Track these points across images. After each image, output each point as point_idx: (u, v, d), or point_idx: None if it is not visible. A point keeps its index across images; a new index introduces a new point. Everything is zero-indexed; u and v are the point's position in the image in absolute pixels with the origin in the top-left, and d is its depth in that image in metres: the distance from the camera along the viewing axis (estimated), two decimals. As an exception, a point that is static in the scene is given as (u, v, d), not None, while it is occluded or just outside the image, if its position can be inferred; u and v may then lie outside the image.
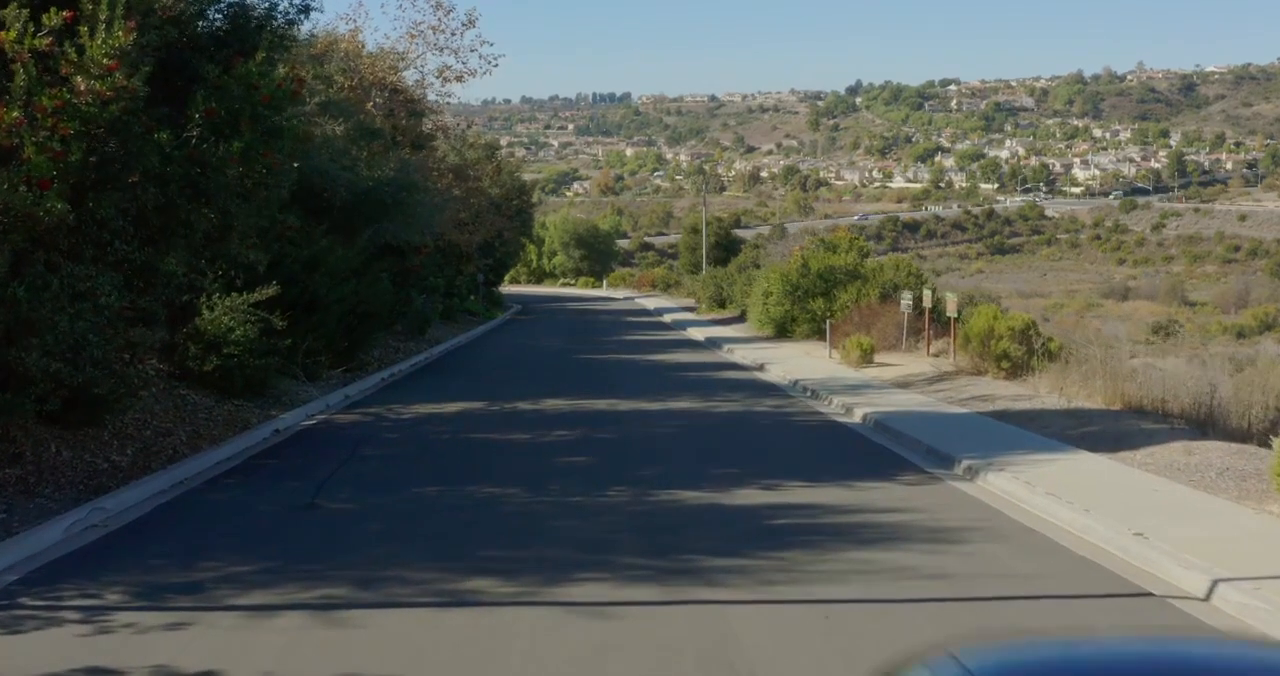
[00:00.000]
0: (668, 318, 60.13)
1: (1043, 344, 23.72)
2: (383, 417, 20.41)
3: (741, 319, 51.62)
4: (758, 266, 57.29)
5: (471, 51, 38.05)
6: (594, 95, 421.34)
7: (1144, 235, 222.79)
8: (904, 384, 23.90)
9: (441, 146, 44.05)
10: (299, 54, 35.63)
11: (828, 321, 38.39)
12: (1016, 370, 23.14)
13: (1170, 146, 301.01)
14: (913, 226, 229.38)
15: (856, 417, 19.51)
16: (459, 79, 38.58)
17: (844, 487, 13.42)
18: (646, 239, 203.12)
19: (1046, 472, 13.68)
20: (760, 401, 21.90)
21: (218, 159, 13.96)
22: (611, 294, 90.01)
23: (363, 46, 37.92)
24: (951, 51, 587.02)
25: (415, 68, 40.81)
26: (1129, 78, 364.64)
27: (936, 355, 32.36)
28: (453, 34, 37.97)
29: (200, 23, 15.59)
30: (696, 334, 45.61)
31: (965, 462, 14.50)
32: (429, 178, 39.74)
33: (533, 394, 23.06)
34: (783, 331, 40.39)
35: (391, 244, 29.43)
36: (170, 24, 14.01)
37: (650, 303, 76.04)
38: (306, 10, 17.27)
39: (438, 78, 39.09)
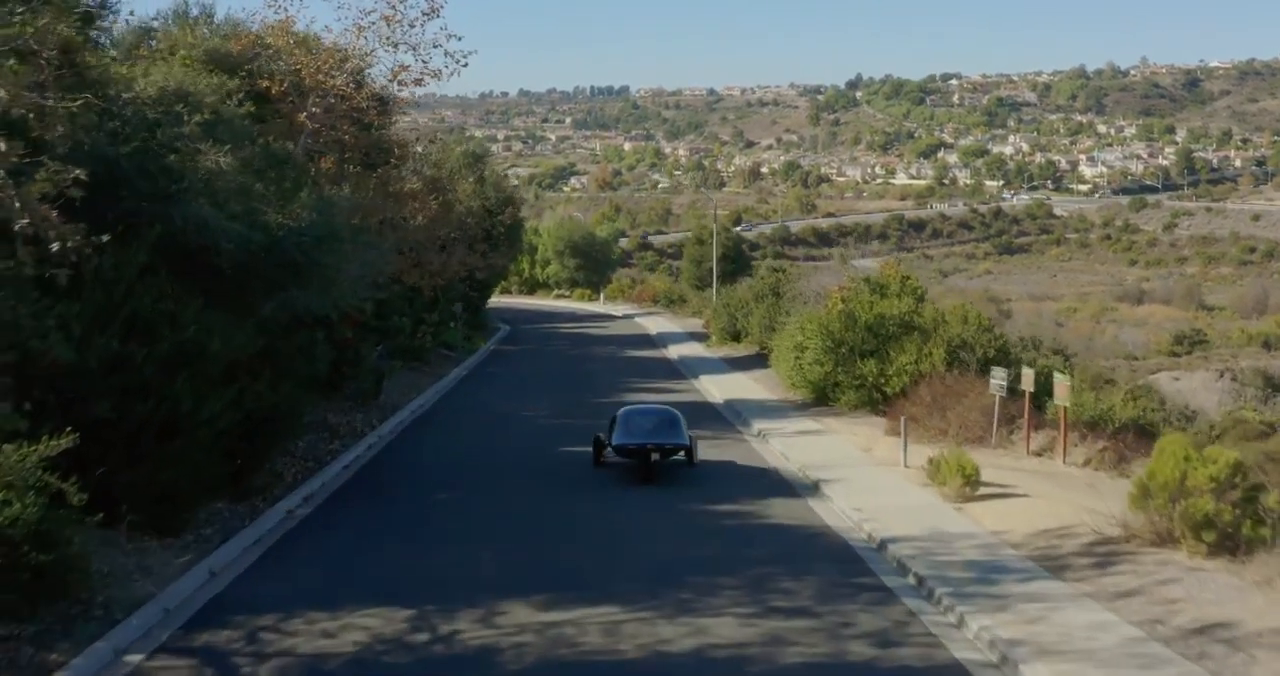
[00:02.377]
0: (674, 352, 51.75)
1: (1255, 493, 15.42)
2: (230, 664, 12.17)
3: (761, 360, 43.33)
4: (777, 294, 48.93)
5: (435, 47, 29.55)
6: (592, 88, 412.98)
7: (1155, 235, 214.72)
8: (1050, 559, 15.55)
9: (408, 161, 35.75)
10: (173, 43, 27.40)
11: (882, 389, 30.19)
12: (1225, 543, 14.91)
13: (1176, 143, 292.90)
14: (918, 225, 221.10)
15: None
16: (418, 81, 30.17)
17: None
18: (645, 238, 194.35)
19: None
20: (849, 614, 13.51)
21: None
22: (610, 310, 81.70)
23: (298, 42, 29.58)
24: (952, 45, 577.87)
25: (378, 66, 32.53)
26: (1132, 73, 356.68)
27: (1039, 454, 24.16)
28: (410, 26, 29.50)
29: None
30: (713, 389, 37.33)
31: None
32: (385, 205, 31.36)
33: (486, 583, 14.77)
34: (823, 397, 32.10)
35: (314, 314, 21.07)
36: None
37: (653, 325, 67.65)
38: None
39: (392, 80, 30.70)
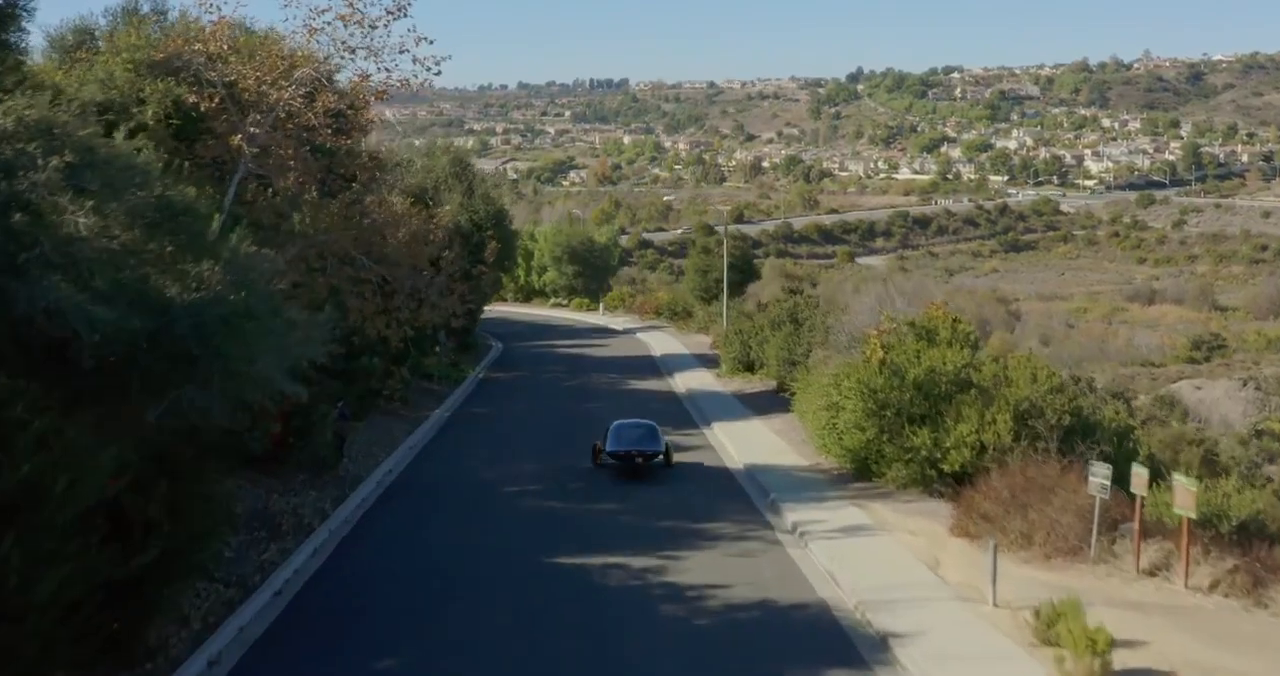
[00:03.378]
0: (681, 382, 46.52)
1: None
2: None
3: (781, 401, 38.12)
4: (796, 322, 43.73)
5: (402, 52, 24.22)
6: (591, 81, 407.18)
7: (1165, 233, 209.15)
8: None
9: (377, 185, 30.42)
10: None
11: (937, 464, 24.96)
12: None
13: (1181, 137, 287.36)
14: (923, 222, 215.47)
15: None
16: (380, 94, 24.87)
17: None
18: (645, 235, 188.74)
19: None
20: None
21: None
22: (609, 322, 76.44)
23: (235, 46, 24.35)
24: (953, 37, 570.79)
25: (342, 70, 27.31)
26: (1135, 66, 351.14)
27: (1152, 572, 19.01)
28: (372, 27, 24.21)
29: None
30: (729, 444, 32.17)
31: None
32: (343, 240, 26.09)
33: None
34: (864, 469, 26.86)
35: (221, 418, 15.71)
36: None
37: (656, 343, 62.41)
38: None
39: (353, 91, 25.40)
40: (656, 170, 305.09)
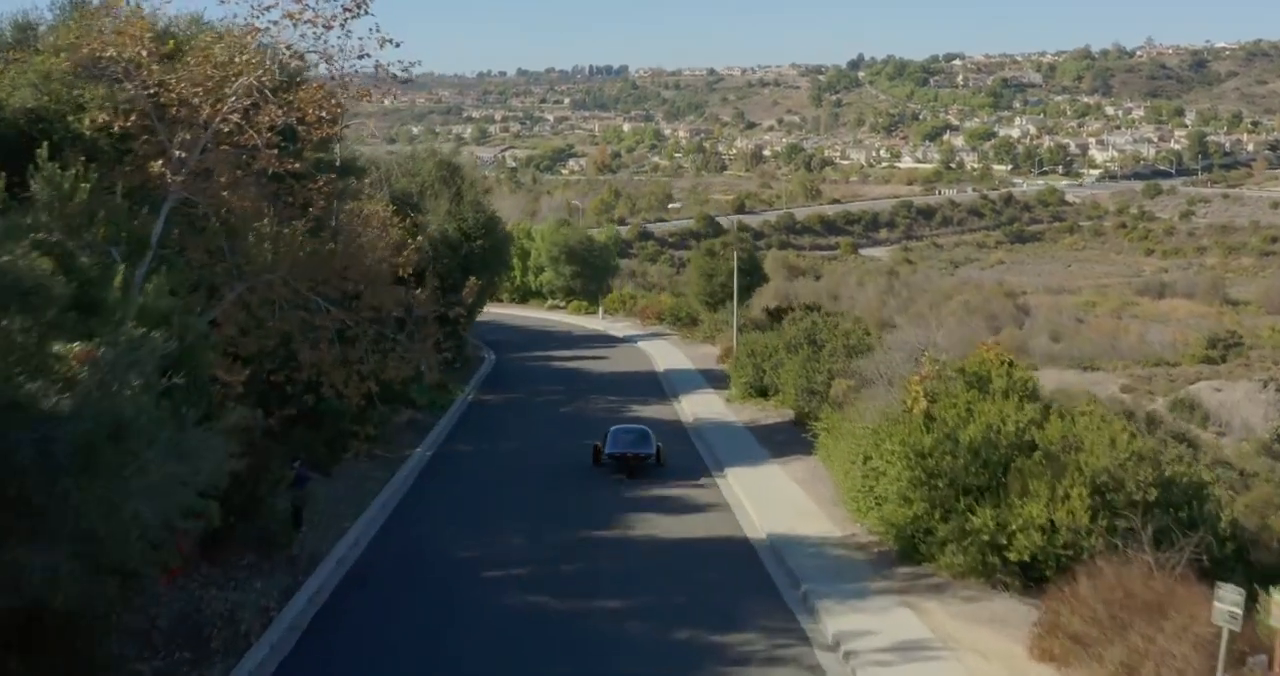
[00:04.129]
0: (688, 408, 42.34)
1: None
2: None
3: (800, 439, 33.90)
4: (815, 343, 39.54)
5: (361, 57, 19.82)
6: (590, 68, 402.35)
7: (1173, 224, 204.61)
8: None
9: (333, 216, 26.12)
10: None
11: (1002, 550, 20.74)
12: None
13: (1186, 126, 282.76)
14: (927, 212, 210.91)
15: None
16: (334, 111, 20.54)
17: None
18: (645, 225, 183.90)
19: None
20: None
21: None
22: (609, 328, 72.22)
23: (163, 53, 20.06)
24: (955, 24, 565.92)
25: (302, 76, 23.18)
26: (1138, 53, 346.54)
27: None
28: (326, 27, 19.90)
29: None
30: (746, 500, 27.97)
31: None
32: (287, 280, 21.81)
33: None
34: (910, 547, 22.63)
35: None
36: None
37: (660, 355, 58.18)
38: None
39: (307, 104, 21.04)
40: (656, 158, 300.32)
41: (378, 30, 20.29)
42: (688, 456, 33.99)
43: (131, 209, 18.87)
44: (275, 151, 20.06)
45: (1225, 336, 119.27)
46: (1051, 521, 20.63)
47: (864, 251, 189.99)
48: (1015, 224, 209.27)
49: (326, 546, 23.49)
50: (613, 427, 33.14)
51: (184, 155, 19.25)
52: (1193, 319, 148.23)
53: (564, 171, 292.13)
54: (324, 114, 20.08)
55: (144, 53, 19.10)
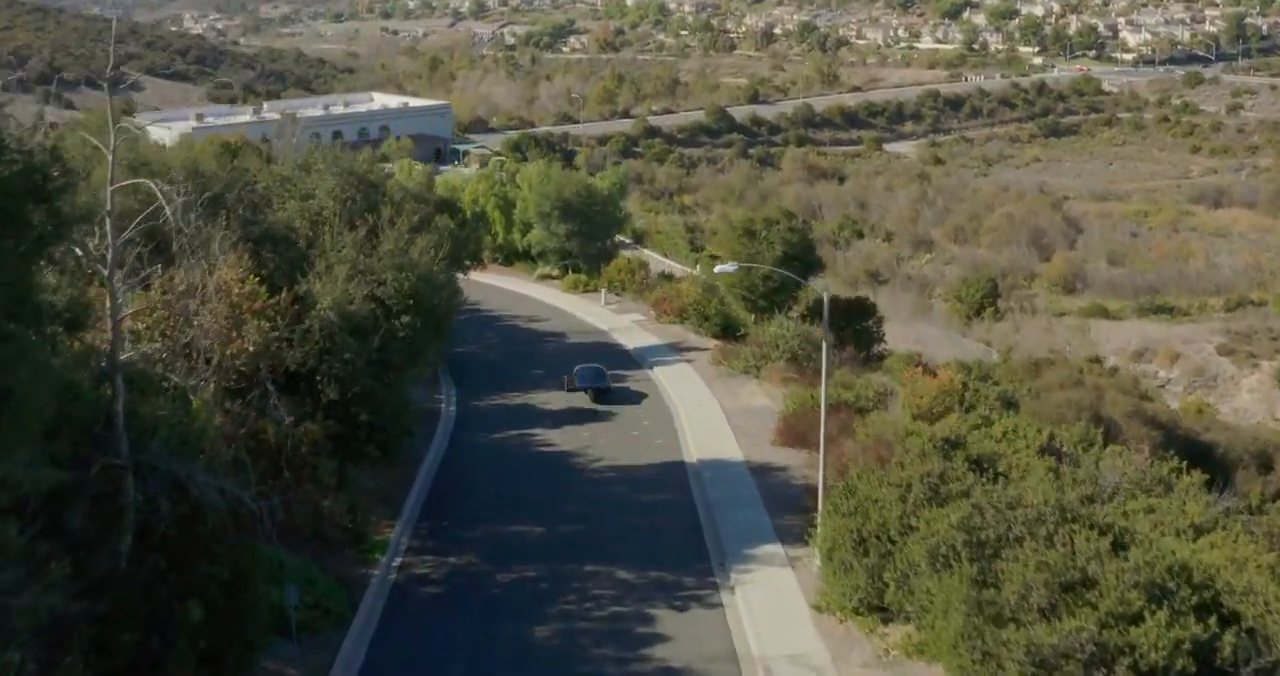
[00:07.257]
0: (756, 645, 24.16)
1: None
2: None
3: None
4: (980, 544, 21.15)
5: None
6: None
7: (1220, 119, 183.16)
8: None
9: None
10: None
11: None
12: None
13: (1216, 4, 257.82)
14: (955, 103, 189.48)
15: None
16: None
17: None
18: (651, 121, 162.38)
19: None
20: None
21: None
22: (614, 324, 53.91)
23: None
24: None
25: None
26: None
27: None
28: None
29: None
30: None
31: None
32: None
33: None
34: None
35: None
36: None
37: (690, 416, 39.95)
38: None
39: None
40: (661, 36, 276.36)
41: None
42: None
43: None
44: None
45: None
46: None
47: (889, 146, 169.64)
48: (1049, 116, 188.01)
49: None
50: (577, 367, 44.86)
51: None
52: (1256, 234, 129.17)
53: (565, 49, 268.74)
54: None
55: None
